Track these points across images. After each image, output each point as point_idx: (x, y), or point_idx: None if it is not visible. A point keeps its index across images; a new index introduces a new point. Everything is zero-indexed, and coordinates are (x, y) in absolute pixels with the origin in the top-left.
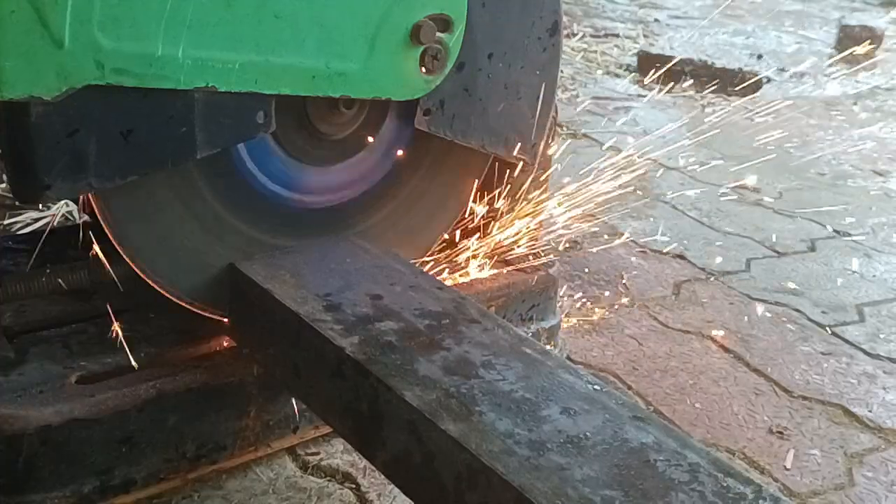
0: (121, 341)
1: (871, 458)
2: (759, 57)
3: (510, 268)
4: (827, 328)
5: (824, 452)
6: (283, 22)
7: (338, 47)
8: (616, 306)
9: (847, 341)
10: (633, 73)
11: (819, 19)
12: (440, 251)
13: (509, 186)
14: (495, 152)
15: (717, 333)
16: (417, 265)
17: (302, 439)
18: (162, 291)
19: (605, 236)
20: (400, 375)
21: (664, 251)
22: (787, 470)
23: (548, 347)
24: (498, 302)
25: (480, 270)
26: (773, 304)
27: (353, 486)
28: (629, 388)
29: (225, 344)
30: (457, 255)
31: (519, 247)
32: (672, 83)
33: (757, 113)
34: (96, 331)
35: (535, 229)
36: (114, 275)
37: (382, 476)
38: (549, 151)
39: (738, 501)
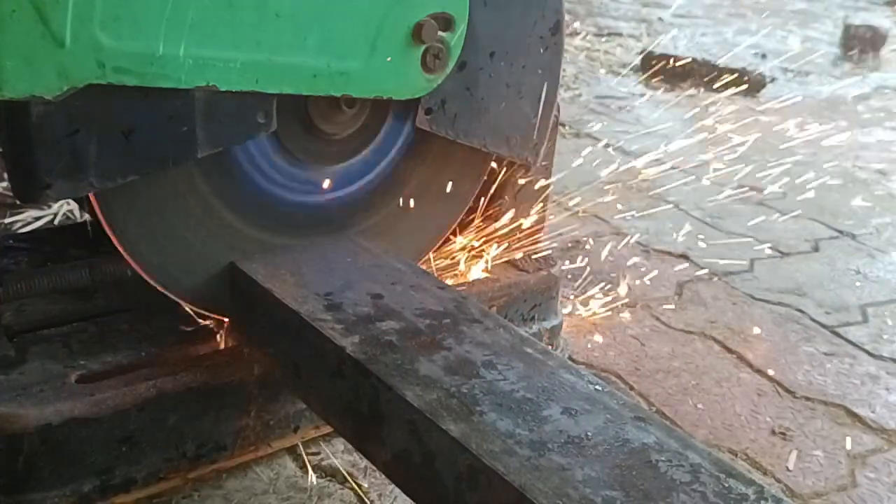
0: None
1: (873, 459)
2: (763, 56)
3: (512, 268)
4: (830, 329)
5: (827, 453)
6: (284, 21)
7: (339, 46)
8: (618, 306)
9: (850, 342)
10: (636, 73)
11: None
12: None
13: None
14: (497, 152)
15: (720, 334)
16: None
17: (302, 439)
18: (163, 291)
19: (608, 236)
20: (400, 375)
21: (667, 251)
22: (790, 471)
23: (549, 347)
24: (499, 302)
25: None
26: (777, 305)
27: (354, 485)
28: (631, 388)
29: (225, 343)
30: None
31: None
32: (675, 82)
33: (761, 112)
34: (97, 330)
35: (537, 230)
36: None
37: (383, 476)
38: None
39: (739, 502)
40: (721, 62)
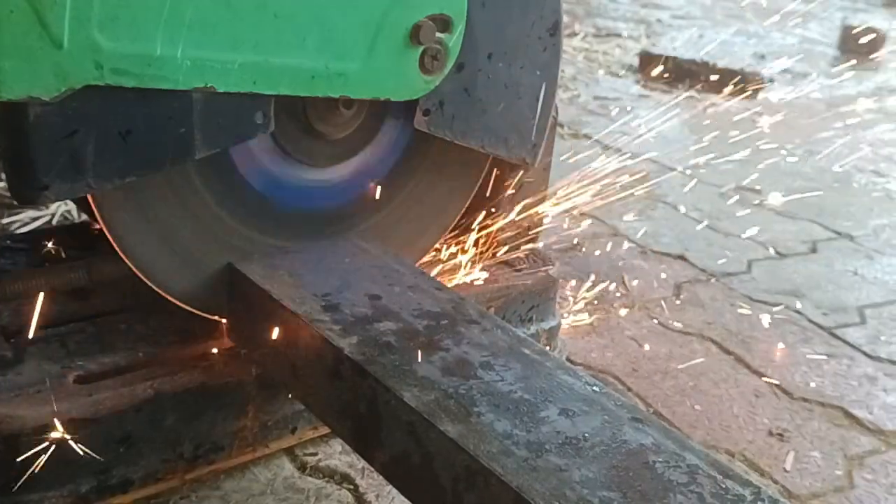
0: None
1: (871, 461)
2: (762, 57)
3: (510, 268)
4: (828, 330)
5: (824, 454)
6: (282, 22)
7: (337, 47)
8: (616, 307)
9: (848, 343)
10: (634, 74)
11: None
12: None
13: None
14: (495, 153)
15: (718, 335)
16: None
17: (300, 440)
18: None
19: (606, 237)
20: (398, 376)
21: (665, 252)
22: (787, 472)
23: (547, 348)
24: (497, 303)
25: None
26: (775, 306)
27: (352, 486)
28: (629, 389)
29: (223, 344)
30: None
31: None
32: (674, 83)
33: (759, 113)
34: (94, 330)
35: (534, 230)
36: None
37: (381, 477)
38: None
39: (736, 503)
40: (720, 63)
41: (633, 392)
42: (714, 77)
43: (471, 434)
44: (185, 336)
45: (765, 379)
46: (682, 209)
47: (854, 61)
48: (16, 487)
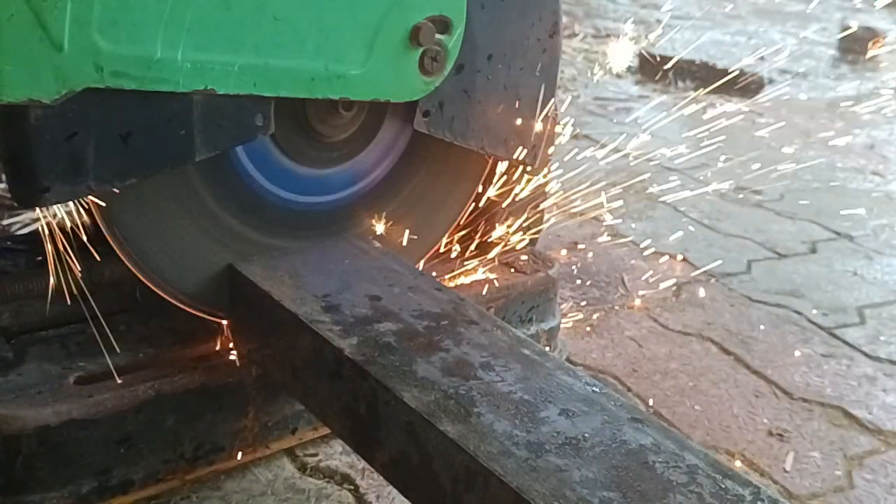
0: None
1: (870, 461)
2: (762, 58)
3: (510, 269)
4: (827, 330)
5: (824, 455)
6: (282, 24)
7: (337, 49)
8: (616, 307)
9: (847, 343)
10: (634, 74)
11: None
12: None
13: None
14: (495, 154)
15: (717, 335)
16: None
17: (300, 440)
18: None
19: (606, 237)
20: (398, 376)
21: (664, 252)
22: (787, 472)
23: (547, 349)
24: (497, 303)
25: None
26: (774, 306)
27: (352, 487)
28: (629, 389)
29: (223, 345)
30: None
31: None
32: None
33: (758, 114)
34: (94, 331)
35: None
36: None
37: (381, 477)
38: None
39: (736, 503)
40: (719, 64)
41: (633, 392)
42: (713, 77)
43: (471, 434)
44: (185, 337)
45: (764, 379)
46: (682, 209)
47: (853, 61)
48: (17, 488)
